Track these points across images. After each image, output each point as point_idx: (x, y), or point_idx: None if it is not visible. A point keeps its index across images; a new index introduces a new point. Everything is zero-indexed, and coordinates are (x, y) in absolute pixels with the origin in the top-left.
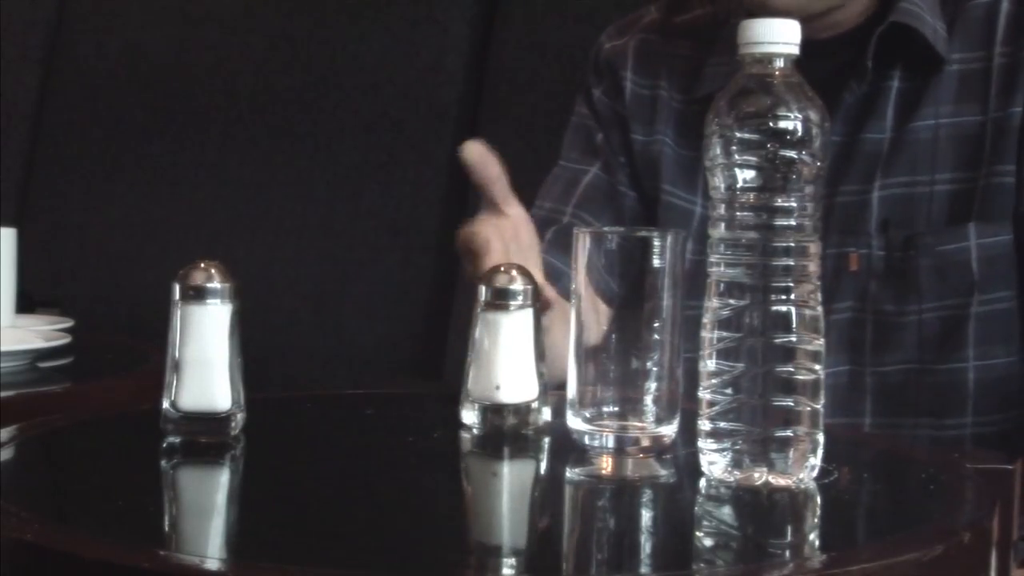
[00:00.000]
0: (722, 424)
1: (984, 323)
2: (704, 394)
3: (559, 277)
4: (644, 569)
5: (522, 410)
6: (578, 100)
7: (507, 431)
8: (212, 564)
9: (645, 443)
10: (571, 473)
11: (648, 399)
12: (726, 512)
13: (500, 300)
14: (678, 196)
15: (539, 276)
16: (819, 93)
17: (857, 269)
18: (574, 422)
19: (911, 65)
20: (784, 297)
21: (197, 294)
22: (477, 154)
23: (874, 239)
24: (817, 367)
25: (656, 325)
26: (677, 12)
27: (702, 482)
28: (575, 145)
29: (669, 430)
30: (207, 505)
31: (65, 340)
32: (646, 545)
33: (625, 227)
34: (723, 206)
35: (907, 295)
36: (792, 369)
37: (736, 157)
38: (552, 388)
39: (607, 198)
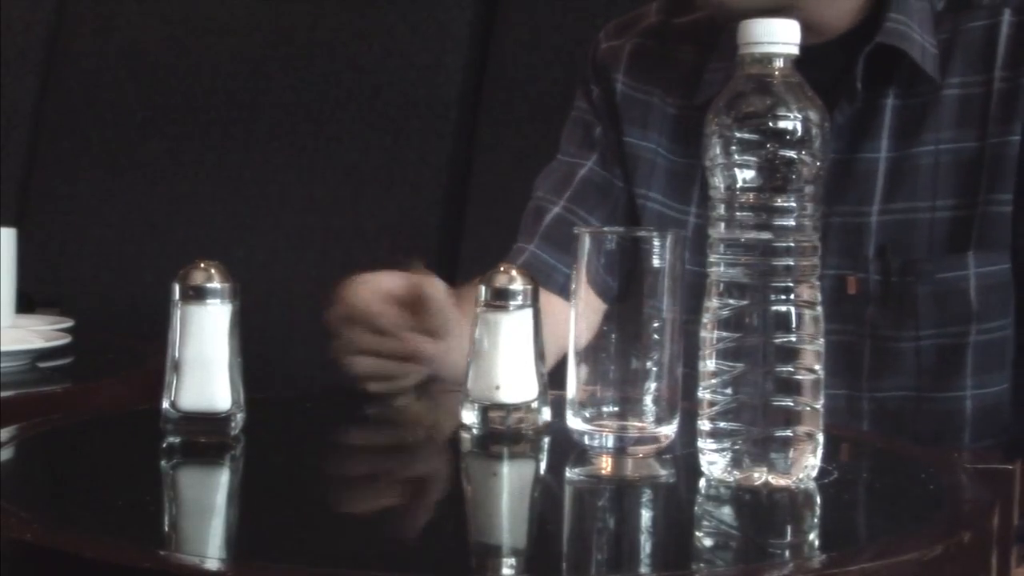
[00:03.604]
0: (722, 424)
1: (982, 352)
2: (704, 394)
3: (548, 272)
4: (644, 569)
5: (522, 410)
6: (577, 94)
7: (507, 431)
8: (212, 564)
9: (645, 443)
10: (571, 473)
11: (648, 399)
12: (726, 512)
13: (499, 300)
14: (669, 207)
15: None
16: None
17: (856, 292)
18: (574, 422)
19: (905, 82)
20: (784, 297)
21: (197, 294)
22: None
23: (872, 263)
24: (817, 367)
25: (656, 325)
26: (677, 14)
27: (702, 482)
28: (572, 139)
29: (669, 430)
30: (207, 505)
31: (65, 340)
32: (646, 545)
33: (622, 225)
34: (723, 206)
35: (905, 321)
36: (792, 369)
37: (736, 157)
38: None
39: (602, 193)
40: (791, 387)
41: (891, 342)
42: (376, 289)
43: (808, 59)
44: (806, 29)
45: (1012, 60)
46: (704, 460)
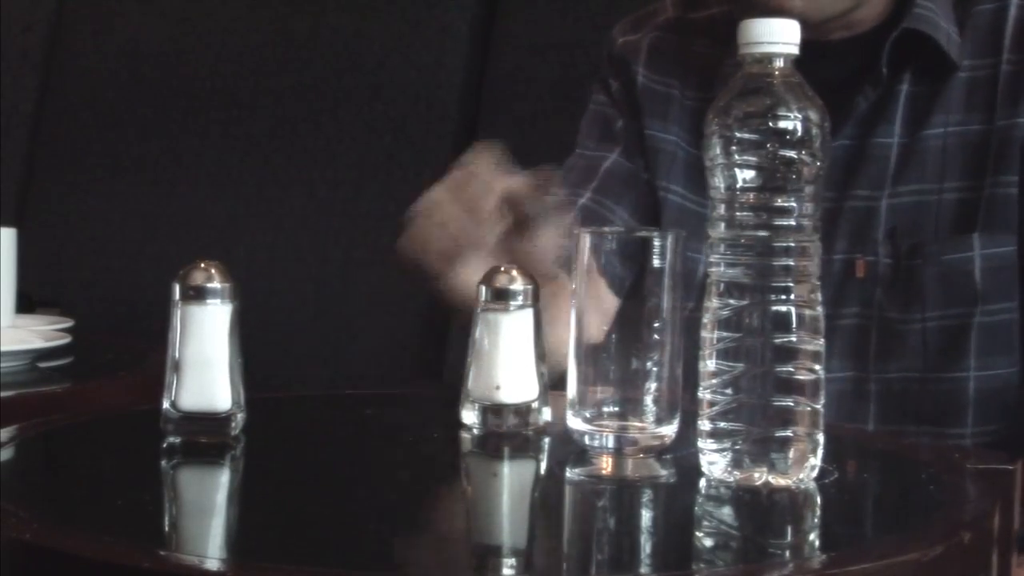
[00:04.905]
0: (722, 424)
1: (986, 333)
2: (704, 394)
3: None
4: (644, 569)
5: (522, 410)
6: (595, 88)
7: (507, 431)
8: (212, 564)
9: (645, 443)
10: (571, 473)
11: (648, 399)
12: (726, 512)
13: (500, 300)
14: (690, 199)
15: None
16: (833, 96)
17: (863, 276)
18: (574, 422)
19: (922, 69)
20: (784, 297)
21: (197, 294)
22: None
23: (881, 246)
24: (817, 367)
25: (656, 325)
26: (693, 9)
27: (702, 482)
28: (592, 133)
29: (669, 430)
30: (207, 505)
31: (65, 340)
32: (646, 545)
33: (639, 218)
34: (723, 206)
35: (912, 303)
36: (792, 369)
37: (736, 157)
38: (555, 378)
39: (627, 184)
40: (791, 387)
41: (898, 324)
42: (493, 181)
43: (837, 51)
44: (847, 28)
45: (1020, 43)
46: (704, 460)
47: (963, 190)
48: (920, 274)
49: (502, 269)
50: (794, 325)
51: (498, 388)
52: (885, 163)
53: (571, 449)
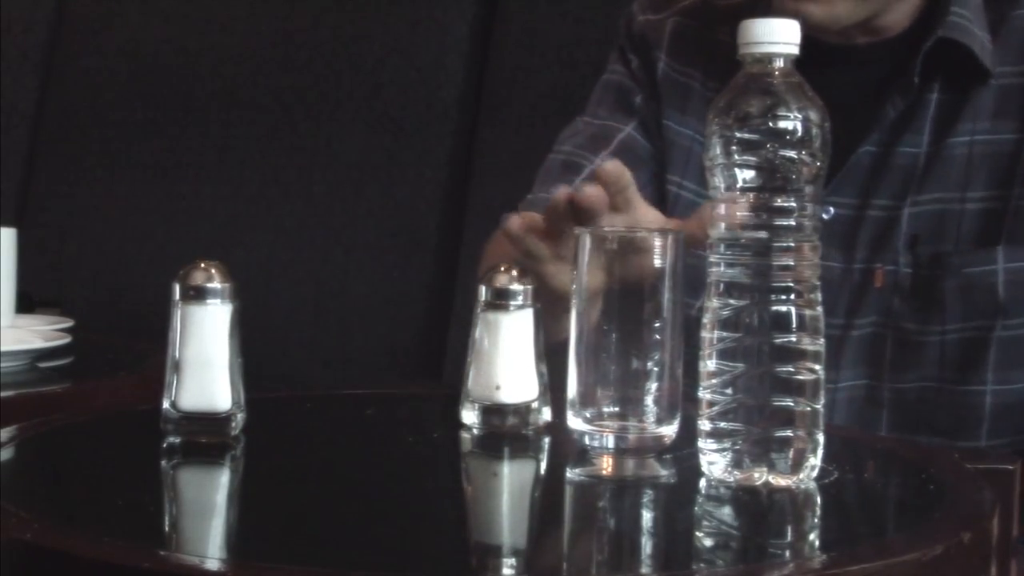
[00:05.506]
0: (722, 424)
1: (1006, 347)
2: (704, 394)
3: None
4: (644, 569)
5: (522, 410)
6: (612, 58)
7: (507, 431)
8: (212, 564)
9: (645, 443)
10: (571, 473)
11: (648, 399)
12: (726, 512)
13: (500, 300)
14: (704, 196)
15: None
16: (861, 103)
17: (882, 285)
18: (574, 422)
19: (953, 76)
20: (784, 297)
21: (197, 294)
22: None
23: (902, 256)
24: (817, 367)
25: (656, 325)
26: None
27: (702, 482)
28: (605, 103)
29: (669, 430)
30: (207, 505)
31: (65, 340)
32: (646, 545)
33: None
34: (723, 206)
35: (931, 314)
36: (792, 369)
37: (736, 157)
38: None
39: (641, 161)
40: (791, 387)
41: (915, 335)
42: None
43: (865, 58)
44: (871, 33)
45: None
46: (704, 460)
47: (988, 200)
48: (941, 285)
49: (502, 269)
50: (794, 325)
51: (498, 388)
52: (910, 172)
53: (571, 449)
